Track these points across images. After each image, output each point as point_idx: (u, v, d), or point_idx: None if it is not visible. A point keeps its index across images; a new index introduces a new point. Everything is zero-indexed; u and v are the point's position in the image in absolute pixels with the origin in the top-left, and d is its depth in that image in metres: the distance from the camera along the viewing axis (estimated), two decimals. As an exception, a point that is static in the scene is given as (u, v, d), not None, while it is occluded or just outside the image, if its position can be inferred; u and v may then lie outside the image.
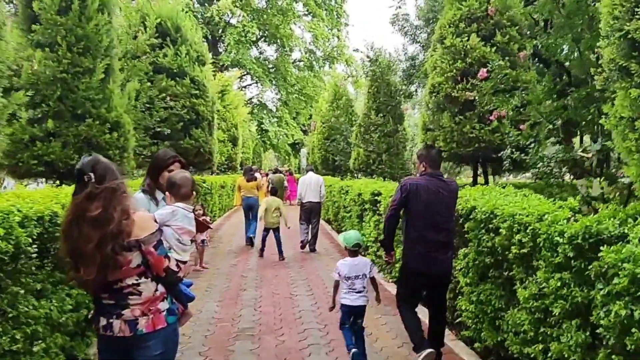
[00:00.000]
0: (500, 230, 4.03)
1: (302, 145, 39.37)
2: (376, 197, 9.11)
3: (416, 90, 20.23)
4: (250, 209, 12.14)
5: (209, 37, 36.46)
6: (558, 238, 3.21)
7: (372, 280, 4.83)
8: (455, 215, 4.81)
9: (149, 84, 12.05)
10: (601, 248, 2.75)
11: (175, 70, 12.53)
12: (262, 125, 38.58)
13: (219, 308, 6.99)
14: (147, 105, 11.14)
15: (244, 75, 39.71)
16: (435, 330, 4.71)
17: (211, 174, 23.27)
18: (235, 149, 24.09)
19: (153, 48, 12.49)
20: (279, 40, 37.96)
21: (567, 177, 6.40)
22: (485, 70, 6.16)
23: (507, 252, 4.00)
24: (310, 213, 11.46)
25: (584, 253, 3.01)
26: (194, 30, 13.88)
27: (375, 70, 12.29)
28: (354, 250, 4.79)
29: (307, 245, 11.68)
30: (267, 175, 28.12)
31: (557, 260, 3.26)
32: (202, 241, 9.62)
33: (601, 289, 2.73)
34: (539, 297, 3.52)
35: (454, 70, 8.13)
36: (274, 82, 38.01)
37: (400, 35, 20.08)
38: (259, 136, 39.95)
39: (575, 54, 5.66)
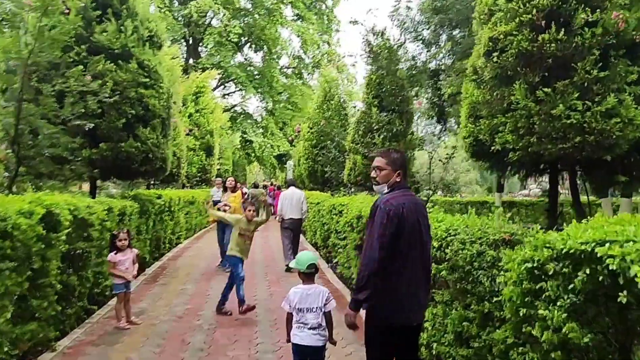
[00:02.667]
0: None
1: (289, 157, 36.39)
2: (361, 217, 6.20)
3: (417, 95, 17.45)
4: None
5: (189, 39, 33.66)
6: None
7: (327, 316, 4.08)
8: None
9: (81, 67, 9.08)
10: None
11: (117, 51, 9.55)
12: (246, 136, 35.58)
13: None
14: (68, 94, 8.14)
15: (227, 81, 36.83)
16: None
17: (182, 187, 20.26)
18: (210, 159, 21.07)
19: (89, 23, 9.58)
20: (265, 45, 35.15)
21: None
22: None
23: None
24: (292, 230, 10.87)
25: None
26: (147, 3, 10.92)
27: (381, 52, 9.38)
28: (309, 274, 4.14)
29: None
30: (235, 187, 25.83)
31: None
32: (126, 285, 6.63)
33: None
34: None
35: (534, 11, 4.73)
36: (259, 90, 35.09)
37: (400, 31, 17.38)
38: (242, 147, 36.94)
39: None
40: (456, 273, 3.85)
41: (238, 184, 24.12)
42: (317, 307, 4.02)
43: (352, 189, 11.68)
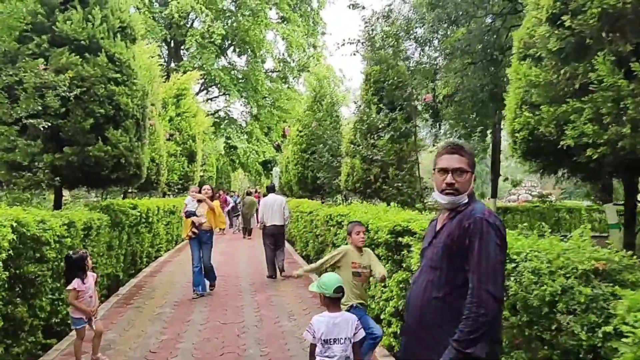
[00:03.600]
0: None
1: (275, 163, 35.25)
2: (400, 239, 5.18)
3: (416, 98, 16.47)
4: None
5: (170, 41, 32.47)
6: None
7: (355, 347, 3.55)
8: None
9: (42, 60, 7.97)
10: None
11: (83, 43, 8.41)
12: (230, 142, 34.36)
13: None
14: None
15: (210, 85, 35.63)
16: None
17: (163, 196, 19.04)
18: (193, 165, 19.86)
19: (51, 10, 8.47)
20: (249, 48, 34.02)
21: None
22: None
23: None
24: (274, 237, 10.58)
25: None
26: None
27: (385, 39, 8.34)
28: (335, 300, 3.62)
29: (281, 272, 10.67)
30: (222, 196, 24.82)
31: None
32: (88, 321, 5.50)
33: None
34: None
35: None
36: (243, 94, 33.92)
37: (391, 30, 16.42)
38: (227, 153, 35.70)
39: None
40: (526, 315, 2.80)
41: (221, 192, 23.02)
42: (345, 338, 3.54)
43: (350, 197, 10.64)
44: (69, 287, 5.30)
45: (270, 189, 11.52)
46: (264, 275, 10.96)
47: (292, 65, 37.35)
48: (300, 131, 16.65)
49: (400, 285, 5.12)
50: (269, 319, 7.43)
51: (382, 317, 5.79)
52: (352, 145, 9.20)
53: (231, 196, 26.99)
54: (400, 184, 8.32)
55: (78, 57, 8.29)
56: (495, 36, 14.46)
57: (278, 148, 36.25)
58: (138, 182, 9.56)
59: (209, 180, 26.57)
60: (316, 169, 13.89)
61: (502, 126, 20.17)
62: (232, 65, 36.79)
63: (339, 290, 3.63)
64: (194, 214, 9.04)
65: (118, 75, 8.74)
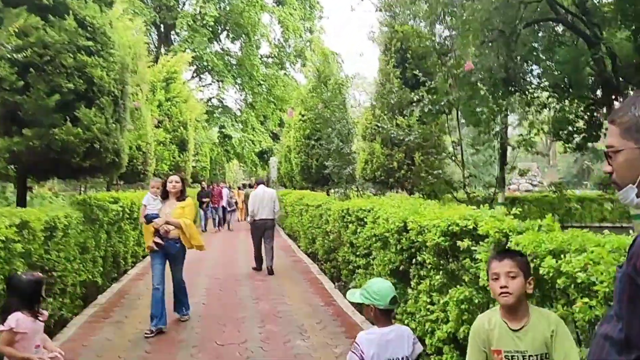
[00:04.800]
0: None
1: (272, 153, 33.77)
2: (458, 243, 3.80)
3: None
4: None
5: (160, 24, 30.87)
6: None
7: None
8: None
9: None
10: None
11: (46, 2, 6.93)
12: (224, 131, 32.84)
13: None
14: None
15: (202, 72, 34.06)
16: None
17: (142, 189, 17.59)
18: (185, 154, 18.39)
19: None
20: (243, 32, 32.40)
21: None
22: None
23: None
24: (264, 231, 10.31)
25: None
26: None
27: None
28: (387, 312, 3.03)
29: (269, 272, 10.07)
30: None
31: None
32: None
33: None
34: None
35: None
36: (237, 80, 32.35)
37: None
38: (220, 143, 34.18)
39: None
40: None
41: (216, 184, 21.31)
42: (403, 357, 2.95)
43: (360, 189, 9.26)
44: (2, 327, 3.46)
45: (260, 182, 11.13)
46: (266, 279, 9.60)
47: (288, 51, 35.80)
48: (302, 115, 15.18)
49: (461, 306, 3.72)
50: (276, 337, 6.02)
51: (427, 341, 4.40)
52: (370, 128, 7.78)
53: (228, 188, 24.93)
54: (428, 172, 6.91)
55: (39, 19, 6.81)
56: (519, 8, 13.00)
57: (275, 138, 34.79)
58: (117, 171, 8.11)
59: (203, 171, 25.10)
60: (323, 157, 12.47)
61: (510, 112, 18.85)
62: (225, 51, 35.18)
63: (394, 301, 3.06)
64: (156, 216, 6.43)
65: (90, 43, 7.27)
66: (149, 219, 6.47)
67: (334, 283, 8.94)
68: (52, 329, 6.18)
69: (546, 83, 13.05)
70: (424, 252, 4.44)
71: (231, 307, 7.49)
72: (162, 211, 6.47)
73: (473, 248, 3.66)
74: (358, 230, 6.56)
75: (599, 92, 13.57)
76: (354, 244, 6.90)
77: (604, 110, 13.89)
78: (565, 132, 13.86)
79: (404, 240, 4.77)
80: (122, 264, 9.80)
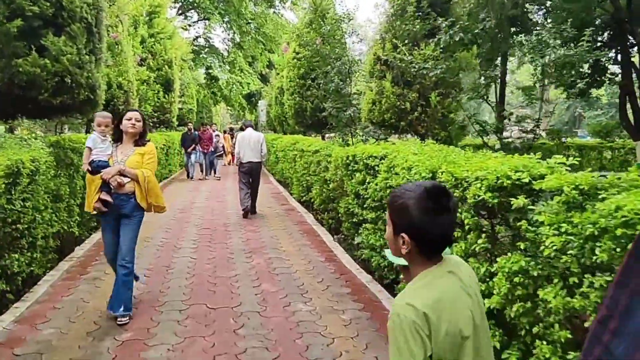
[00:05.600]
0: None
1: (261, 96, 32.59)
2: (511, 200, 3.05)
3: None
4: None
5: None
6: None
7: None
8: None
9: None
10: None
11: None
12: (211, 72, 31.50)
13: None
14: None
15: (188, 9, 32.32)
16: None
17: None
18: (170, 95, 17.33)
19: None
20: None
21: None
22: None
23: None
24: (250, 174, 10.28)
25: None
26: None
27: None
28: None
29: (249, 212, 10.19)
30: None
31: None
32: None
33: None
34: None
35: None
36: (225, 18, 30.74)
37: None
38: (207, 85, 32.87)
39: None
40: None
41: (208, 127, 19.84)
42: None
43: (376, 133, 8.42)
44: None
45: (248, 125, 10.92)
46: (258, 229, 8.92)
47: (278, -12, 34.01)
48: (297, 53, 14.07)
49: (514, 279, 3.02)
50: (274, 299, 5.36)
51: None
52: (380, 63, 6.88)
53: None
54: (444, 114, 6.09)
55: None
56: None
57: (264, 80, 33.54)
58: (93, 110, 7.16)
59: (189, 113, 24.00)
60: (319, 99, 11.59)
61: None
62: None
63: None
64: (105, 165, 4.74)
65: (56, -42, 6.23)
66: (96, 167, 4.69)
67: (333, 235, 8.27)
68: (21, 287, 5.48)
69: (551, 24, 12.12)
70: (467, 212, 3.71)
71: (222, 262, 6.81)
72: (113, 158, 4.78)
73: (531, 207, 2.93)
74: (367, 181, 5.80)
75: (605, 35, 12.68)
76: (360, 195, 6.15)
77: (612, 53, 13.03)
78: (569, 76, 13.01)
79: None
80: (102, 212, 9.01)
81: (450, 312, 1.54)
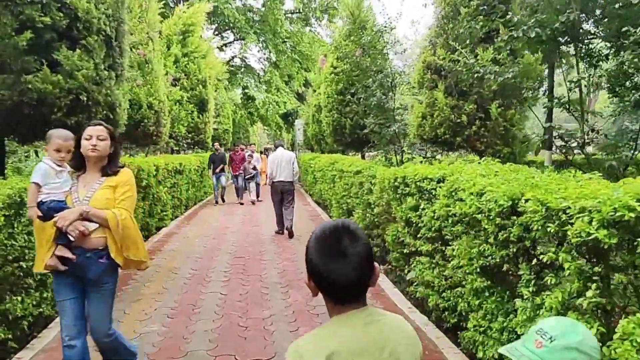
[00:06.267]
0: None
1: (297, 115, 32.07)
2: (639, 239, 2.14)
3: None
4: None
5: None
6: None
7: None
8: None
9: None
10: None
11: None
12: (247, 92, 31.20)
13: None
14: None
15: (224, 30, 32.24)
16: None
17: (171, 152, 16.19)
18: (205, 115, 16.85)
19: None
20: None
21: None
22: None
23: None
24: (282, 194, 10.19)
25: None
26: None
27: None
28: None
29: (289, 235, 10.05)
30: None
31: None
32: None
33: None
34: None
35: None
36: (260, 37, 30.46)
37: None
38: (244, 105, 32.58)
39: None
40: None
41: (240, 147, 18.75)
42: None
43: (424, 150, 7.58)
44: None
45: (278, 144, 10.89)
46: (295, 257, 8.15)
47: (314, 6, 33.61)
48: (334, 68, 13.33)
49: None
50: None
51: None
52: (430, 72, 6.04)
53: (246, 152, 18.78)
54: (506, 128, 5.20)
55: None
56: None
57: (301, 98, 33.06)
58: (114, 130, 6.56)
59: (225, 134, 23.58)
60: (359, 115, 10.81)
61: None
62: (247, 6, 33.17)
63: None
64: (61, 207, 3.23)
65: (72, -35, 5.67)
66: (47, 210, 3.21)
67: (379, 266, 7.40)
68: (28, 332, 4.82)
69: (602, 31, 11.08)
70: (556, 248, 2.83)
71: (255, 301, 6.03)
72: (72, 196, 3.33)
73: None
74: (421, 206, 4.95)
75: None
76: (412, 222, 5.30)
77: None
78: (623, 87, 11.82)
79: (512, 227, 3.16)
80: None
81: None
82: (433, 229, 4.67)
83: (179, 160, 13.16)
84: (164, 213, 11.28)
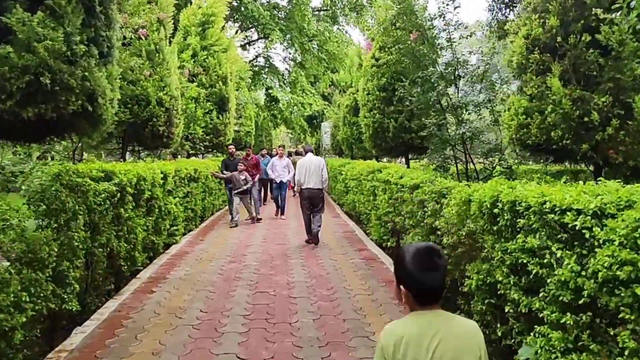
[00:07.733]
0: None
1: (323, 118, 30.32)
2: None
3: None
4: None
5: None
6: None
7: None
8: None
9: None
10: None
11: None
12: (271, 92, 29.56)
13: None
14: None
15: (248, 28, 30.71)
16: None
17: (187, 156, 14.56)
18: (225, 116, 15.16)
19: None
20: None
21: None
22: None
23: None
24: (311, 201, 9.78)
25: None
26: None
27: None
28: None
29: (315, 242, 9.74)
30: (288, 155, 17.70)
31: None
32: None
33: None
34: None
35: None
36: (286, 35, 28.78)
37: None
38: (267, 107, 30.95)
39: None
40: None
41: (253, 153, 15.19)
42: None
43: (510, 161, 5.78)
44: None
45: (308, 150, 10.60)
46: (336, 294, 6.35)
47: (342, 4, 31.88)
48: (377, 60, 11.48)
49: None
50: None
51: None
52: (539, 50, 4.21)
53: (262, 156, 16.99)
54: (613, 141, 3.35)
55: None
56: None
57: (327, 100, 31.34)
58: (95, 128, 4.84)
59: (247, 136, 21.88)
60: (405, 115, 9.05)
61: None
62: (272, 4, 31.55)
63: None
64: None
65: None
66: None
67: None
68: None
69: None
70: None
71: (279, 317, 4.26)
72: None
73: None
74: (559, 256, 3.08)
75: None
76: (529, 271, 3.46)
77: None
78: None
79: None
80: (123, 267, 6.69)
81: (415, 345, 1.82)
82: (586, 293, 2.82)
83: (194, 165, 11.47)
84: (175, 228, 9.60)
